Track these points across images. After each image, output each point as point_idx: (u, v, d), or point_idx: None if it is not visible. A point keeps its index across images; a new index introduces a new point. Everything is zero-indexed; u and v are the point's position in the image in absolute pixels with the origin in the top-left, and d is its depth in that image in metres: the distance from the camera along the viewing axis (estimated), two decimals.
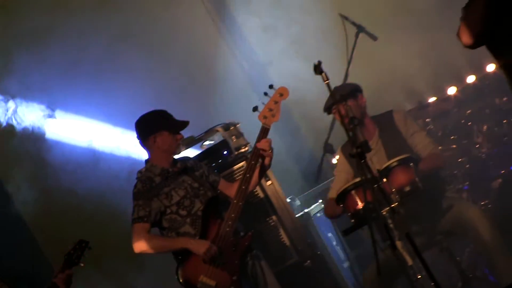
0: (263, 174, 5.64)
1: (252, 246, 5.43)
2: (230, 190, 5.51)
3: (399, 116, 6.00)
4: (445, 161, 6.45)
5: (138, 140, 5.47)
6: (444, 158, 6.31)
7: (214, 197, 5.47)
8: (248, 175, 5.33)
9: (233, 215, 5.23)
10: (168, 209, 5.36)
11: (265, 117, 5.37)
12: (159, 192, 5.34)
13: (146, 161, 5.45)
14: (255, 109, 5.40)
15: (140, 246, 5.26)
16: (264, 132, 5.37)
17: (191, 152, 6.42)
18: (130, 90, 8.01)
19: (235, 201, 5.29)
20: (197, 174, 5.66)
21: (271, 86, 5.44)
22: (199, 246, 5.15)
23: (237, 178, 6.10)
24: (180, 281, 5.27)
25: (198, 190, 5.49)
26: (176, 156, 5.78)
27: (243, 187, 5.32)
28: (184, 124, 5.51)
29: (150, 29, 8.43)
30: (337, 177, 6.12)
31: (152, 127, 5.38)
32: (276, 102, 5.42)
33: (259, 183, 5.77)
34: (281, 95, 5.44)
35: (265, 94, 5.48)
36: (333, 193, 5.90)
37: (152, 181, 5.33)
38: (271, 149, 5.38)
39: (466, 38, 4.19)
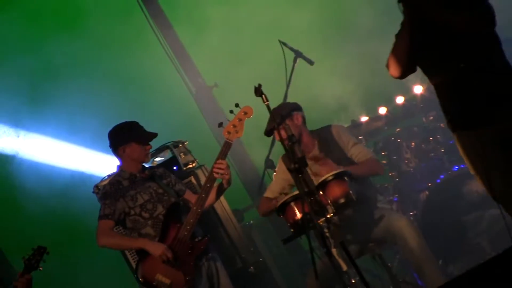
0: (221, 193, 5.81)
1: (208, 249, 5.58)
2: (194, 200, 5.65)
3: (337, 130, 6.11)
4: (383, 167, 6.51)
5: (111, 149, 5.64)
6: (382, 165, 6.41)
7: (176, 203, 5.62)
8: (208, 185, 5.47)
9: (191, 220, 5.39)
10: (132, 211, 5.51)
11: (228, 133, 5.51)
12: (125, 194, 5.50)
13: (118, 167, 5.63)
14: (220, 125, 5.53)
15: (103, 241, 5.44)
16: (226, 146, 5.54)
17: None
18: (90, 109, 8.11)
19: (194, 208, 5.43)
20: (164, 182, 5.78)
21: (237, 105, 5.52)
22: (156, 249, 5.31)
23: None
24: (140, 280, 5.42)
25: (162, 196, 5.63)
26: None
27: (203, 195, 5.44)
28: (152, 135, 5.65)
29: (104, 51, 8.53)
30: (275, 179, 6.22)
31: (122, 138, 5.54)
32: (240, 120, 5.56)
33: (217, 200, 5.96)
34: (245, 113, 5.58)
35: (231, 111, 5.55)
36: (268, 193, 6.07)
37: (120, 184, 5.52)
38: (228, 170, 5.54)
39: (394, 71, 4.46)
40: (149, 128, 5.82)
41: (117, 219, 5.47)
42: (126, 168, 5.60)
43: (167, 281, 5.39)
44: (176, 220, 5.50)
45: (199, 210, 5.46)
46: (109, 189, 5.50)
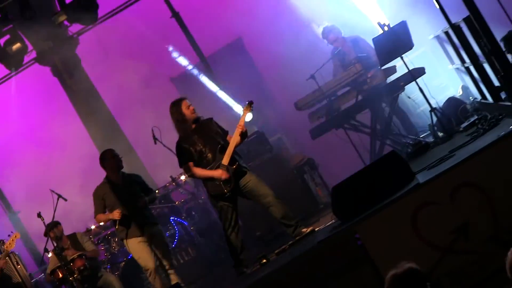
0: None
1: None
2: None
3: (80, 235, 8.86)
4: (99, 253, 9.14)
5: None
6: (99, 252, 9.12)
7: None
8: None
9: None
10: None
11: (6, 247, 8.12)
12: None
13: None
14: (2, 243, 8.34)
15: None
16: (5, 251, 8.14)
17: None
18: None
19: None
20: None
21: (12, 232, 8.30)
22: None
23: None
24: None
25: None
26: None
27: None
28: None
29: None
30: (51, 260, 8.66)
31: None
32: (13, 240, 8.17)
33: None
34: (16, 236, 8.19)
35: (8, 235, 8.18)
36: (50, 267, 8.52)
37: None
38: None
39: None
40: None
41: None
42: None
43: None
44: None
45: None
46: None
